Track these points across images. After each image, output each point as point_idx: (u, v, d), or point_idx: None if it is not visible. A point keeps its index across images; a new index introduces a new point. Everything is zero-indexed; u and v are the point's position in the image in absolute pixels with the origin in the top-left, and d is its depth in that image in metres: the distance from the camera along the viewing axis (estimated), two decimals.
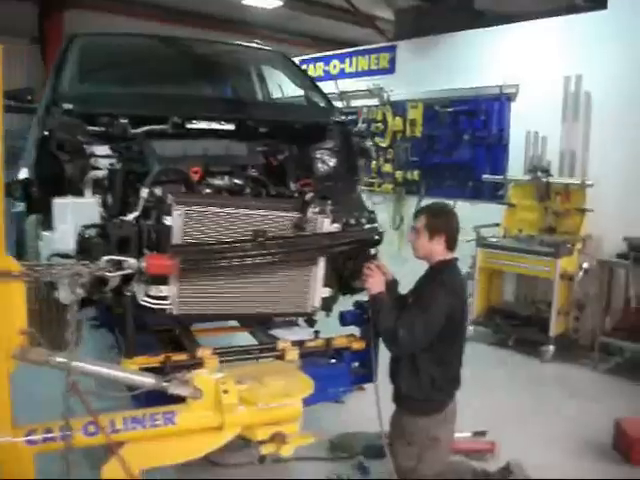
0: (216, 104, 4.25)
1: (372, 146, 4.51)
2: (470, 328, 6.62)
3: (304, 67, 9.18)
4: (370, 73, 8.66)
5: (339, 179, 3.95)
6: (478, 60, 7.42)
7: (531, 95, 6.94)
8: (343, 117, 4.45)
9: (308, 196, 3.43)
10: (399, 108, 8.19)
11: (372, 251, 3.83)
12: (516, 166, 7.02)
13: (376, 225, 3.78)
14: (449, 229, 3.17)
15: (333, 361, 3.73)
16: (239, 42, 5.71)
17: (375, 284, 3.21)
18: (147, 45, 5.00)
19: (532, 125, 6.84)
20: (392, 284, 3.45)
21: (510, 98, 7.12)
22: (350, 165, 4.04)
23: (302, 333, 4.08)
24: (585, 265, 6.19)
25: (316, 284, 3.51)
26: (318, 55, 9.50)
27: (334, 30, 11.71)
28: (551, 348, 6.08)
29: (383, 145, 8.37)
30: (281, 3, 8.63)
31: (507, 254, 6.34)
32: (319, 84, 9.13)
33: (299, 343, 3.63)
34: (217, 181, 3.48)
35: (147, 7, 10.68)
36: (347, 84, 8.94)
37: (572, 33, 6.61)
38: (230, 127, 3.86)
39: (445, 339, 3.09)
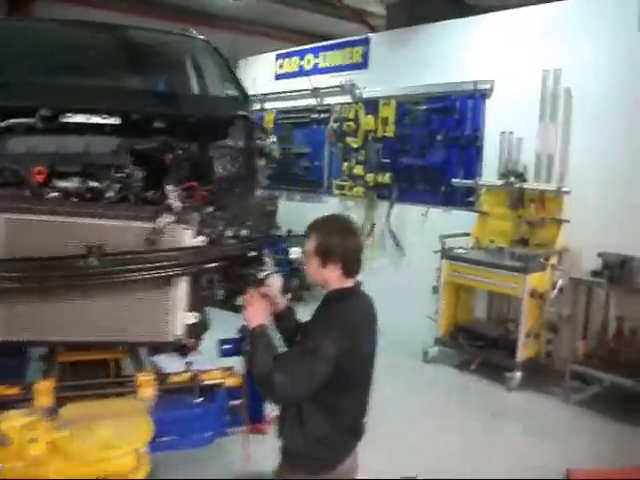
0: (99, 94, 3.64)
1: (273, 144, 3.88)
2: (434, 348, 6.00)
3: (280, 62, 8.66)
4: (343, 68, 8.04)
5: (235, 182, 3.37)
6: (453, 53, 6.78)
7: (507, 92, 6.28)
8: (252, 110, 3.88)
9: (172, 203, 2.83)
10: (372, 106, 7.55)
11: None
12: (490, 170, 6.36)
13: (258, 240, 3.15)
14: (345, 252, 2.59)
15: (201, 400, 3.11)
16: (159, 28, 5.11)
17: (253, 315, 2.61)
18: (50, 31, 4.43)
19: (507, 125, 6.18)
20: (285, 314, 2.86)
21: (485, 95, 6.46)
22: (249, 166, 3.46)
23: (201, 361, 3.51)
24: (560, 282, 5.51)
25: (177, 309, 2.90)
26: (294, 49, 8.90)
27: (325, 25, 11.07)
28: (518, 374, 5.42)
29: (355, 145, 7.74)
30: None
31: (473, 268, 5.69)
32: (295, 80, 8.78)
33: (160, 377, 3.02)
34: (66, 184, 2.88)
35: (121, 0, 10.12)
36: (321, 80, 8.32)
37: (550, 23, 5.95)
38: (114, 121, 3.28)
39: (336, 386, 2.49)
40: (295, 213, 8.63)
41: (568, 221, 5.57)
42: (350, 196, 7.87)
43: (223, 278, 3.11)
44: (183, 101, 4.08)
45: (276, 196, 8.53)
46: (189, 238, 2.86)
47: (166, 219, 2.78)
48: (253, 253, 3.13)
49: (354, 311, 2.65)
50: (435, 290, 6.11)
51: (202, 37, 4.73)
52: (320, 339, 2.44)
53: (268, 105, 9.24)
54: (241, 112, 3.70)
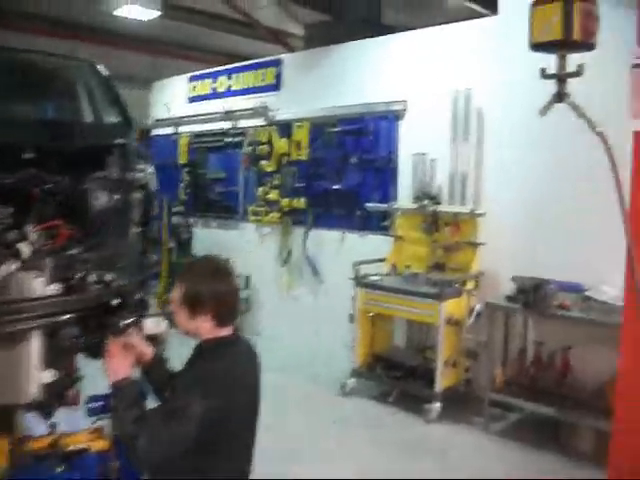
0: None
1: (151, 175, 3.56)
2: (352, 380, 5.71)
3: (194, 84, 8.33)
4: (257, 90, 7.77)
5: (108, 218, 3.02)
6: (367, 74, 6.60)
7: (419, 112, 6.12)
8: (134, 137, 3.54)
9: (21, 247, 2.45)
10: (285, 128, 7.28)
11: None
12: (405, 193, 6.17)
13: (123, 284, 2.81)
14: (217, 300, 2.32)
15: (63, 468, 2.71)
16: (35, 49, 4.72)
17: (115, 368, 2.32)
18: None
19: (421, 146, 6.01)
20: (154, 365, 2.57)
21: (398, 116, 6.27)
22: (125, 200, 3.12)
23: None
24: (477, 308, 5.32)
25: (29, 366, 2.51)
26: (207, 71, 8.58)
27: (246, 46, 10.82)
28: (437, 406, 5.18)
29: (269, 170, 7.45)
30: (159, 13, 7.72)
31: (388, 295, 5.45)
32: (209, 103, 8.45)
33: (16, 443, 2.61)
34: None
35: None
36: (235, 102, 8.03)
37: (461, 42, 5.83)
38: None
39: (207, 447, 2.19)
40: (212, 241, 8.30)
41: (483, 244, 5.41)
42: (266, 222, 7.55)
43: (84, 329, 2.73)
44: (56, 129, 3.70)
45: (190, 223, 8.28)
46: (41, 287, 2.49)
47: (10, 267, 2.41)
48: (118, 300, 2.75)
49: (229, 365, 2.36)
50: (351, 319, 5.84)
51: (84, 58, 4.37)
52: (188, 398, 2.15)
53: (182, 129, 8.88)
54: (120, 140, 3.35)
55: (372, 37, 6.64)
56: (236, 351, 2.44)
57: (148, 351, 2.52)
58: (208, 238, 8.44)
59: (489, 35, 5.61)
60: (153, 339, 2.92)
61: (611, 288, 4.79)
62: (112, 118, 3.78)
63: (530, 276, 4.92)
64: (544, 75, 2.41)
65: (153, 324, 2.99)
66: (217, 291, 2.33)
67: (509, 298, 4.86)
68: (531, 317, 5.06)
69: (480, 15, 6.87)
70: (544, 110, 2.33)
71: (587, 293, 4.77)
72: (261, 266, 7.73)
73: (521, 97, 5.34)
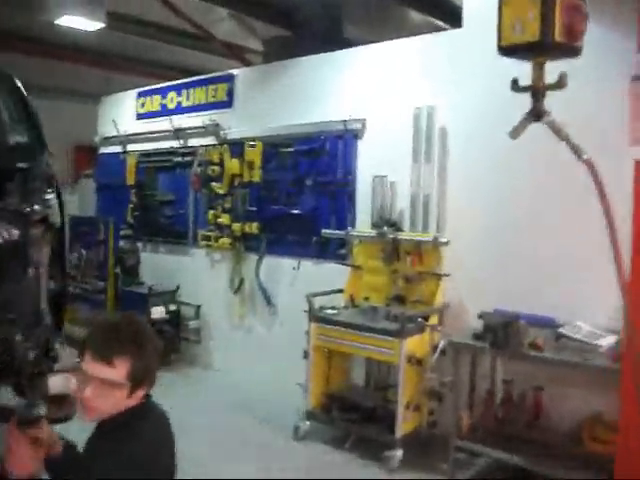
0: None
1: (55, 208, 3.05)
2: (306, 423, 5.20)
3: (142, 100, 7.80)
4: (207, 107, 7.28)
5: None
6: (323, 90, 6.17)
7: (379, 131, 5.70)
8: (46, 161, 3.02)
9: None
10: (237, 148, 6.80)
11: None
12: (364, 218, 5.72)
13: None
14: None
15: None
16: None
17: (17, 464, 1.88)
18: None
19: (380, 168, 5.58)
20: (63, 455, 2.05)
21: (356, 135, 5.83)
22: (24, 236, 2.62)
23: None
24: (441, 345, 4.87)
25: None
26: (156, 87, 8.07)
27: (201, 61, 10.34)
28: (398, 453, 4.70)
29: (221, 192, 6.94)
30: (103, 25, 7.22)
31: (344, 331, 4.97)
32: (157, 120, 7.94)
33: None
34: None
35: None
36: (185, 120, 7.52)
37: (423, 56, 5.44)
38: None
39: None
40: (160, 267, 7.76)
41: (448, 275, 4.97)
42: (217, 248, 7.04)
43: None
44: None
45: (137, 248, 7.72)
46: None
47: None
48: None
49: (143, 441, 1.93)
50: (305, 355, 5.34)
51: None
52: None
53: (130, 147, 8.35)
54: (23, 164, 2.83)
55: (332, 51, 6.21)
56: (150, 422, 1.98)
57: (55, 443, 2.02)
58: (156, 264, 7.90)
59: (453, 48, 5.24)
60: (60, 400, 2.44)
61: (585, 324, 4.43)
62: (18, 137, 3.24)
63: (499, 310, 4.50)
64: (516, 87, 1.94)
65: (60, 382, 2.52)
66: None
67: (476, 336, 4.41)
68: (500, 358, 4.61)
69: (444, 30, 6.56)
70: (516, 132, 1.87)
71: (561, 330, 4.35)
72: (212, 294, 7.21)
73: (489, 113, 4.97)
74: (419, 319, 4.80)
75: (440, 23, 7.44)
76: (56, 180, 3.27)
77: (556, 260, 4.68)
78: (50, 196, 3.04)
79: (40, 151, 3.16)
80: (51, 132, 10.03)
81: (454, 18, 7.44)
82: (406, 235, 5.18)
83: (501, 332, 4.20)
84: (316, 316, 5.11)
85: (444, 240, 4.91)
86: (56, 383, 2.50)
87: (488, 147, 4.98)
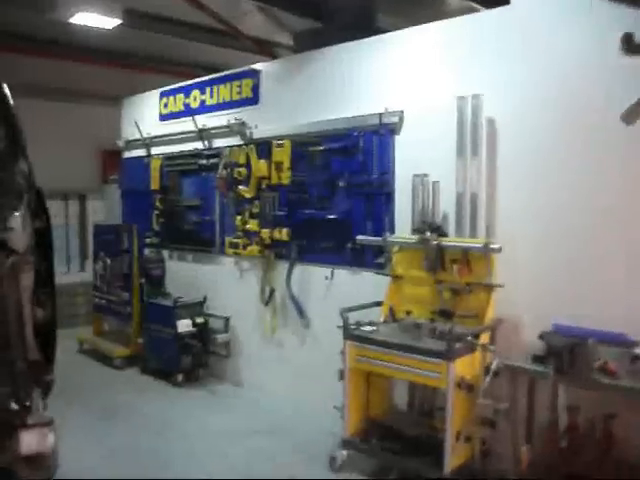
0: None
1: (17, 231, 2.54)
2: (343, 453, 4.66)
3: (165, 100, 7.33)
4: (232, 105, 6.77)
5: None
6: (354, 81, 5.60)
7: (418, 125, 5.10)
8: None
9: None
10: (264, 148, 6.27)
11: None
12: (404, 222, 5.14)
13: None
14: None
15: None
16: None
17: None
18: None
19: (421, 166, 4.98)
20: None
21: (393, 130, 5.25)
22: None
23: None
24: (494, 365, 4.27)
25: None
26: (178, 85, 7.59)
27: (229, 58, 9.88)
28: None
29: (248, 196, 6.43)
30: (119, 21, 6.77)
31: (384, 352, 4.38)
32: (181, 120, 7.47)
33: None
34: None
35: None
36: (210, 119, 7.03)
37: (466, 39, 4.82)
38: None
39: None
40: (186, 277, 7.30)
41: (501, 286, 4.35)
42: (245, 255, 6.52)
43: None
44: None
45: (162, 257, 7.26)
46: None
47: None
48: None
49: None
50: (341, 376, 4.77)
51: None
52: None
53: (154, 150, 7.90)
54: None
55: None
56: None
57: None
58: (183, 274, 7.44)
59: (501, 29, 4.62)
60: (34, 460, 1.97)
61: None
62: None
63: (559, 326, 3.89)
64: (630, 47, 1.34)
65: (34, 439, 2.05)
66: None
67: (536, 359, 3.80)
68: (567, 384, 3.98)
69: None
70: (631, 115, 1.28)
71: (638, 351, 3.71)
72: (241, 305, 6.70)
73: (545, 101, 4.35)
74: (469, 337, 4.20)
75: (479, 7, 6.84)
76: (39, 192, 2.77)
77: (627, 267, 4.05)
78: (14, 214, 2.52)
79: (14, 160, 2.65)
80: (77, 137, 9.86)
81: (494, 1, 6.87)
82: (452, 241, 4.58)
83: (567, 355, 3.58)
84: (352, 334, 4.54)
85: (496, 246, 4.30)
86: (28, 441, 2.00)
87: (544, 139, 4.37)
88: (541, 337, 3.84)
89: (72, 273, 9.80)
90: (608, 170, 4.10)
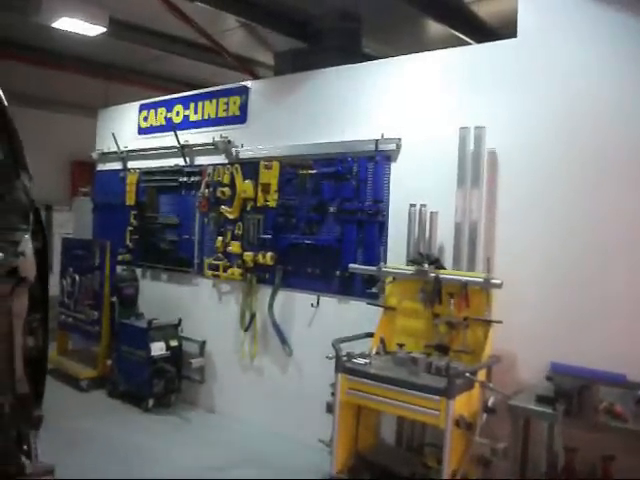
0: None
1: None
2: None
3: (145, 113, 7.11)
4: (218, 122, 6.60)
5: None
6: (350, 105, 5.50)
7: (416, 153, 5.01)
8: None
9: None
10: (250, 168, 6.10)
11: None
12: (398, 252, 5.02)
13: None
14: None
15: None
16: None
17: None
18: None
19: (418, 195, 4.87)
20: None
21: (389, 157, 5.15)
22: None
23: None
24: (490, 402, 4.17)
25: None
26: (160, 99, 7.38)
27: (208, 74, 9.70)
28: None
29: (231, 217, 6.24)
30: (104, 29, 6.54)
31: (377, 386, 4.22)
32: (161, 135, 7.25)
33: None
34: None
35: None
36: (193, 136, 6.84)
37: (471, 69, 4.76)
38: None
39: None
40: (161, 297, 7.04)
41: (500, 322, 4.25)
42: (225, 278, 6.31)
43: None
44: None
45: (136, 275, 6.99)
46: None
47: None
48: None
49: None
50: (329, 409, 4.59)
51: None
52: None
53: (131, 164, 7.65)
54: None
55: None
56: None
57: None
58: (157, 294, 7.18)
59: (506, 61, 4.57)
60: None
61: None
62: None
63: (558, 365, 3.83)
64: None
65: None
66: None
67: (542, 399, 3.68)
68: (574, 427, 3.88)
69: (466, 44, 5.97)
70: None
71: None
72: (219, 330, 6.48)
73: (546, 134, 4.31)
74: (467, 374, 4.07)
75: (464, 37, 6.86)
76: (37, 210, 2.55)
77: (628, 305, 4.00)
78: (25, 237, 2.30)
79: (15, 174, 2.44)
80: (47, 146, 9.54)
81: (478, 32, 6.87)
82: (452, 274, 4.47)
83: (576, 398, 3.49)
84: (345, 366, 4.37)
85: (498, 282, 4.20)
86: None
87: (547, 174, 4.32)
88: (549, 378, 3.74)
89: None
90: (612, 205, 4.06)
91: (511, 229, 4.48)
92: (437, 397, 3.93)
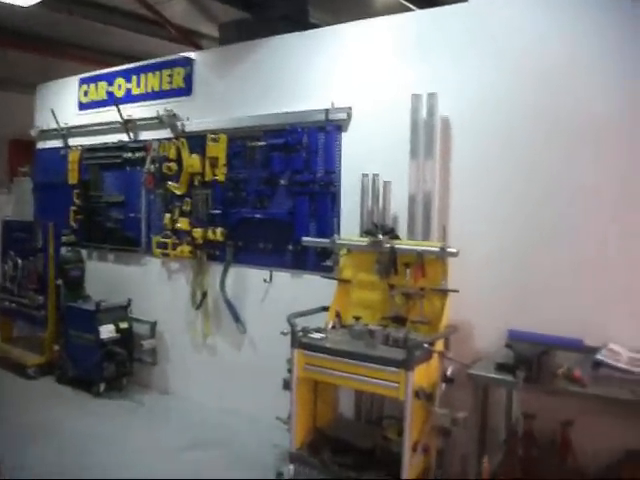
0: None
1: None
2: (290, 467, 4.37)
3: (85, 88, 6.80)
4: (162, 95, 6.36)
5: None
6: (299, 75, 5.33)
7: (368, 122, 4.90)
8: None
9: None
10: (197, 142, 5.90)
11: None
12: (352, 224, 4.91)
13: None
14: None
15: None
16: None
17: None
18: None
19: (371, 165, 4.77)
20: None
21: (340, 127, 5.02)
22: None
23: None
24: (449, 372, 4.13)
25: None
26: (101, 72, 7.08)
27: (146, 47, 9.35)
28: None
29: (178, 193, 6.04)
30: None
31: (335, 360, 4.13)
32: (103, 110, 6.96)
33: None
34: None
35: None
36: (136, 110, 6.58)
37: (423, 36, 4.65)
38: None
39: None
40: (108, 278, 6.81)
41: (457, 291, 4.20)
42: (175, 256, 6.12)
43: None
44: None
45: (81, 257, 6.74)
46: None
47: None
48: None
49: None
50: (286, 385, 4.49)
51: None
52: None
53: (72, 141, 7.35)
54: None
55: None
56: None
57: None
58: (104, 275, 6.95)
59: (457, 25, 4.47)
60: None
61: (621, 348, 3.75)
62: None
63: (515, 332, 3.82)
64: None
65: None
66: None
67: (502, 367, 3.64)
68: (533, 392, 3.86)
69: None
70: None
71: (599, 357, 3.64)
72: (170, 310, 6.31)
73: (499, 99, 4.25)
74: (426, 345, 4.01)
75: (410, 5, 6.75)
76: None
77: (582, 270, 4.00)
78: None
79: None
80: None
81: (427, 1, 6.76)
82: (407, 244, 4.39)
83: (535, 365, 3.46)
84: (301, 342, 4.27)
85: (454, 250, 4.14)
86: None
87: (502, 140, 4.26)
88: (509, 346, 3.70)
89: None
90: (567, 166, 4.03)
91: (465, 196, 4.42)
92: (396, 369, 3.86)
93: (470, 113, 4.39)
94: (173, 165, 6.04)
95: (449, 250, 4.17)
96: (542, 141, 4.11)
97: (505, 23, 4.26)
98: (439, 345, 4.16)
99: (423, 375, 3.96)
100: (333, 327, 4.58)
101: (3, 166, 9.73)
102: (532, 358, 3.43)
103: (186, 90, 6.13)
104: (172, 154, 6.05)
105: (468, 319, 4.35)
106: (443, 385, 4.12)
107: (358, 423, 4.79)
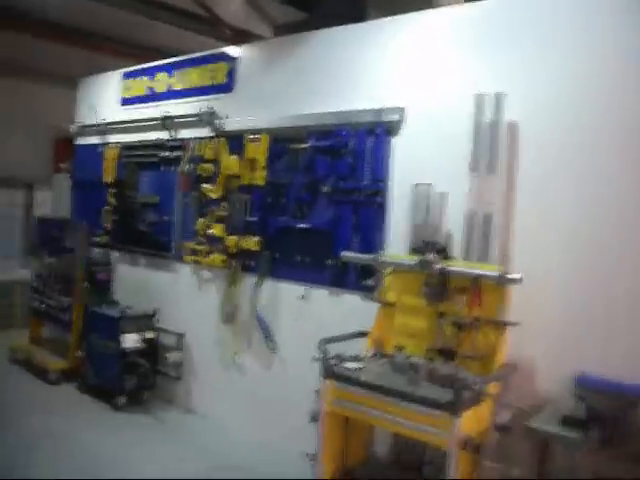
0: None
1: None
2: None
3: (128, 83, 6.45)
4: (204, 91, 5.92)
5: None
6: (347, 72, 4.82)
7: (422, 126, 4.33)
8: None
9: None
10: (236, 142, 5.44)
11: None
12: (399, 239, 4.36)
13: None
14: None
15: None
16: None
17: None
18: None
19: (424, 174, 4.20)
20: None
21: (391, 130, 4.47)
22: None
23: None
24: (504, 419, 3.52)
25: None
26: (142, 66, 6.70)
27: (196, 46, 8.99)
28: None
29: (213, 196, 5.58)
30: None
31: (369, 396, 3.56)
32: (145, 106, 6.57)
33: None
34: None
35: None
36: (175, 106, 6.17)
37: (486, 27, 4.07)
38: None
39: None
40: (137, 283, 6.40)
41: (517, 323, 3.59)
42: (206, 264, 5.66)
43: None
44: None
45: (110, 259, 6.34)
46: None
47: None
48: None
49: None
50: (314, 418, 3.94)
51: None
52: None
53: (112, 138, 6.99)
54: None
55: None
56: None
57: None
58: (133, 280, 6.55)
59: (529, 16, 3.88)
60: None
61: None
62: None
63: (589, 378, 3.15)
64: None
65: None
66: None
67: (569, 422, 3.02)
68: (606, 456, 3.22)
69: None
70: None
71: None
72: (198, 321, 5.85)
73: (580, 103, 3.63)
74: (477, 385, 3.41)
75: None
76: None
77: None
78: None
79: None
80: (26, 119, 8.89)
81: None
82: (461, 266, 3.80)
83: (611, 421, 2.83)
84: (332, 372, 3.72)
85: (517, 276, 3.53)
86: None
87: (577, 151, 3.64)
88: (581, 399, 3.07)
89: (12, 269, 8.82)
90: None
91: (532, 216, 3.80)
92: (440, 413, 3.27)
93: (544, 119, 3.78)
94: (210, 166, 5.59)
95: (511, 276, 3.56)
96: (633, 157, 3.47)
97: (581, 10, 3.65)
98: (493, 386, 3.54)
99: (472, 421, 3.37)
100: (372, 356, 4.02)
101: (48, 163, 9.49)
102: (608, 413, 2.80)
103: (227, 86, 5.68)
104: (209, 154, 5.60)
105: (530, 358, 3.73)
106: (496, 434, 3.50)
107: (393, 467, 4.20)
